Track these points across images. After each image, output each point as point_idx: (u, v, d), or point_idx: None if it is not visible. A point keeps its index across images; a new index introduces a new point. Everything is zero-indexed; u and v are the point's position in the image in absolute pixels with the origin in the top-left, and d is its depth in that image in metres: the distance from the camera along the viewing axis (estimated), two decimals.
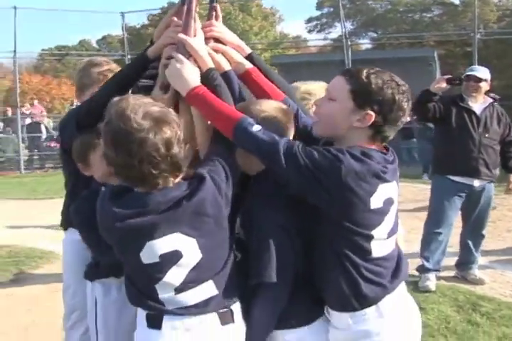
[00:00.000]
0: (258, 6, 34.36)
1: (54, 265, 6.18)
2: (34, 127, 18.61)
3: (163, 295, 1.94)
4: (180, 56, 2.13)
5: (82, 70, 3.24)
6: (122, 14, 18.97)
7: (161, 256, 1.91)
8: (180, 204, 1.87)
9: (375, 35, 37.56)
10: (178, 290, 1.94)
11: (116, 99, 1.90)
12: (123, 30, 20.28)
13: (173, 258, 1.91)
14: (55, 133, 19.13)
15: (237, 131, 1.97)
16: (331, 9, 37.17)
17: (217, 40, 2.32)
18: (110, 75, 2.87)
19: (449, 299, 4.90)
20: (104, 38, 42.76)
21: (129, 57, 18.01)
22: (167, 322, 1.95)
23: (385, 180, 1.98)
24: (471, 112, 5.26)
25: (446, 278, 5.49)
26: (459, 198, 5.29)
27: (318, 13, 38.60)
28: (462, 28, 29.25)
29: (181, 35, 2.18)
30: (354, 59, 16.00)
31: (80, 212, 2.57)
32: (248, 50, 2.41)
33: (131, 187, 1.91)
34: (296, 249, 2.01)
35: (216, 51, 2.27)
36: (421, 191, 9.58)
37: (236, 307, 2.02)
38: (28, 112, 19.15)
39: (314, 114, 2.12)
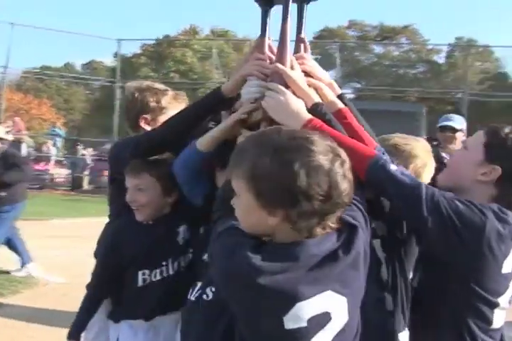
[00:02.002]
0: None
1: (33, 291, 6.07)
2: (15, 145, 18.26)
3: None
4: (282, 87, 1.95)
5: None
6: (119, 41, 19.00)
7: (309, 320, 1.55)
8: (336, 258, 1.57)
9: (359, 85, 38.26)
10: None
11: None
12: (117, 57, 20.31)
13: (321, 321, 1.57)
14: (34, 153, 18.85)
15: (372, 168, 1.76)
16: (319, 57, 37.98)
17: (306, 74, 2.11)
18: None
19: None
20: (89, 62, 42.70)
21: (119, 84, 17.89)
22: None
23: None
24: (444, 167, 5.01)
25: None
26: None
27: None
28: (453, 86, 30.07)
29: (279, 65, 2.00)
30: None
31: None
32: (338, 90, 2.19)
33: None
34: None
35: (309, 86, 2.05)
36: None
37: None
38: (9, 129, 18.81)
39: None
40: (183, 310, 2.28)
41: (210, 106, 2.32)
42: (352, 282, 1.61)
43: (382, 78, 37.10)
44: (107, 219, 2.79)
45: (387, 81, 35.36)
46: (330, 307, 1.56)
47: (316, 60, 2.39)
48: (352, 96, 32.74)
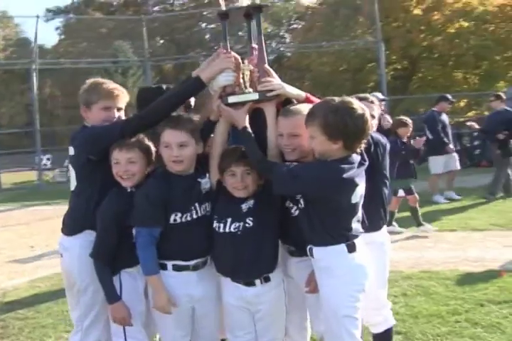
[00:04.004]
0: None
1: None
2: None
3: (354, 225, 2.95)
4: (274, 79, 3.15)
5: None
6: None
7: (360, 197, 2.95)
8: (362, 164, 2.93)
9: None
10: (359, 220, 2.99)
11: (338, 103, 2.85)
12: None
13: (362, 197, 2.97)
14: None
15: None
16: None
17: None
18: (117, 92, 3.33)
19: None
20: None
21: None
22: (357, 244, 2.94)
23: None
24: None
25: None
26: None
27: None
28: None
29: (266, 66, 3.15)
30: None
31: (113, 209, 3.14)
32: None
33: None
34: None
35: None
36: None
37: None
38: None
39: None
40: (221, 241, 3.12)
41: (193, 91, 3.23)
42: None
43: None
44: None
45: None
46: (363, 189, 2.96)
47: None
48: None
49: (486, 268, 6.16)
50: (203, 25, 44.57)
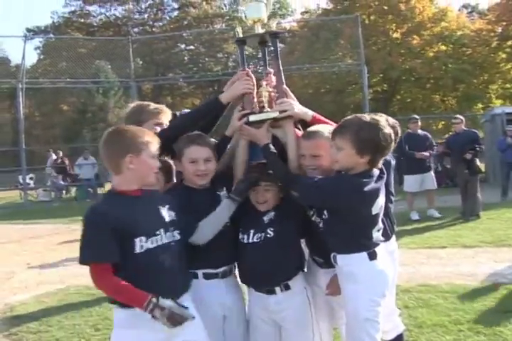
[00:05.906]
0: None
1: None
2: None
3: (375, 235, 3.11)
4: (290, 99, 3.39)
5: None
6: None
7: (380, 208, 3.12)
8: (381, 177, 3.09)
9: None
10: (379, 230, 3.15)
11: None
12: None
13: (382, 209, 3.16)
14: None
15: None
16: None
17: None
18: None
19: None
20: None
21: None
22: (378, 252, 3.10)
23: None
24: None
25: None
26: None
27: None
28: None
29: (284, 86, 3.40)
30: None
31: None
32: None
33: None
34: None
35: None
36: None
37: None
38: None
39: None
40: (245, 251, 3.30)
41: (211, 110, 3.45)
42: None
43: None
44: None
45: None
46: (383, 200, 3.14)
47: None
48: None
49: (480, 282, 6.43)
50: (182, 46, 44.98)
